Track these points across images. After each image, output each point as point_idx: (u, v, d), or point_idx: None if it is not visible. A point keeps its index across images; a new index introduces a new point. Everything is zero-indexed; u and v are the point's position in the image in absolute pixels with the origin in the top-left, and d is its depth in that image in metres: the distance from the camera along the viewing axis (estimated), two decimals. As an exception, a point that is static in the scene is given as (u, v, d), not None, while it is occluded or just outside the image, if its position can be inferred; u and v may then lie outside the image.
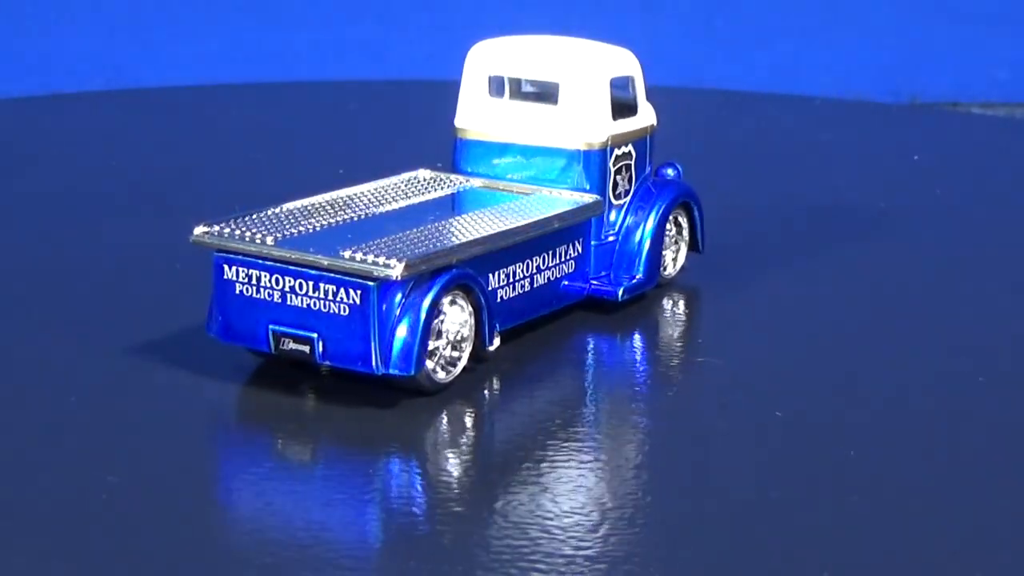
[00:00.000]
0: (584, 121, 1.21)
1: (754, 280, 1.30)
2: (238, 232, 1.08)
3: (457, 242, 1.08)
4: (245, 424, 1.05)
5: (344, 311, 1.04)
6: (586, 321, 1.20)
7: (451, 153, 1.25)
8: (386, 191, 1.20)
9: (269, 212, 1.13)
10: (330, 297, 1.05)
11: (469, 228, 1.12)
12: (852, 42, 2.75)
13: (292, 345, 1.06)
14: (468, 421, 1.05)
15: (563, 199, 1.20)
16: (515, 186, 1.22)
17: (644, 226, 1.24)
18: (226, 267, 1.07)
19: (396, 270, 1.03)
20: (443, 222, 1.12)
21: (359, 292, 1.04)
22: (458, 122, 1.24)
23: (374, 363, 1.04)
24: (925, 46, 2.76)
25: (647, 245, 1.24)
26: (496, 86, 1.24)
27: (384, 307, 1.04)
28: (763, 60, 2.73)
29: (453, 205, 1.18)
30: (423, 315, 1.04)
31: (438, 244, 1.07)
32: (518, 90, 1.24)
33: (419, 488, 0.96)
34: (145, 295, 1.24)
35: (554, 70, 1.22)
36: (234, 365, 1.10)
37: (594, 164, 1.21)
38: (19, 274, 1.30)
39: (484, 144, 1.24)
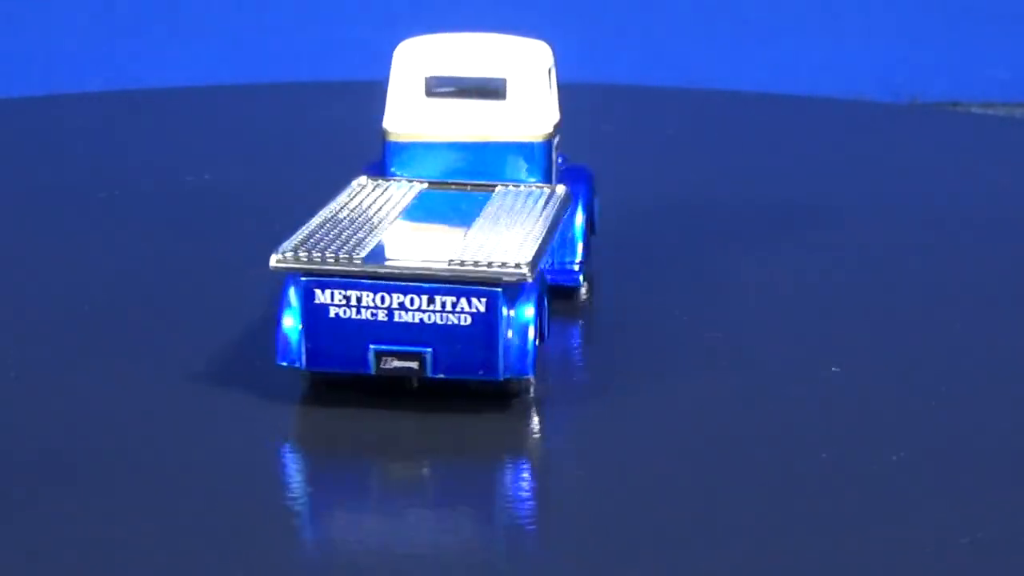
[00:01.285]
0: (533, 113, 1.21)
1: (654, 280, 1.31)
2: (327, 254, 1.04)
3: (537, 242, 1.08)
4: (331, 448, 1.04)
5: (465, 321, 1.03)
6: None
7: (381, 156, 1.21)
8: (366, 202, 1.17)
9: (311, 230, 1.09)
10: (448, 308, 1.03)
11: (522, 227, 1.11)
12: (852, 42, 2.75)
13: (396, 363, 1.04)
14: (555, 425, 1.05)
15: (535, 192, 1.19)
16: (469, 183, 1.20)
17: (576, 213, 1.24)
18: (318, 291, 1.03)
19: (527, 273, 1.02)
20: (489, 225, 1.11)
21: (484, 299, 1.03)
22: (390, 125, 1.21)
23: (500, 369, 1.03)
24: (925, 46, 2.76)
25: (584, 230, 1.24)
26: (433, 86, 1.22)
27: (508, 312, 1.04)
28: (763, 60, 2.73)
29: (456, 209, 1.18)
30: (536, 316, 1.04)
31: (527, 245, 1.07)
32: (459, 88, 1.22)
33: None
34: (171, 311, 1.24)
35: (500, 66, 1.21)
36: (288, 387, 1.08)
37: (542, 155, 1.21)
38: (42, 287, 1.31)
39: (424, 145, 1.21)
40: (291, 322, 1.04)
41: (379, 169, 1.21)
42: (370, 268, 1.03)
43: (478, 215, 1.13)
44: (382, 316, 1.03)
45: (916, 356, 1.16)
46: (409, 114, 1.21)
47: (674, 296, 1.26)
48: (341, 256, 1.03)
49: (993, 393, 1.09)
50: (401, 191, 1.19)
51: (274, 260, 1.04)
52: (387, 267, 1.03)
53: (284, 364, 1.05)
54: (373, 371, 1.04)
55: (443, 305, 1.03)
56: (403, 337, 1.03)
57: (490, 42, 1.23)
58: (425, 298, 1.03)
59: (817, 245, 1.40)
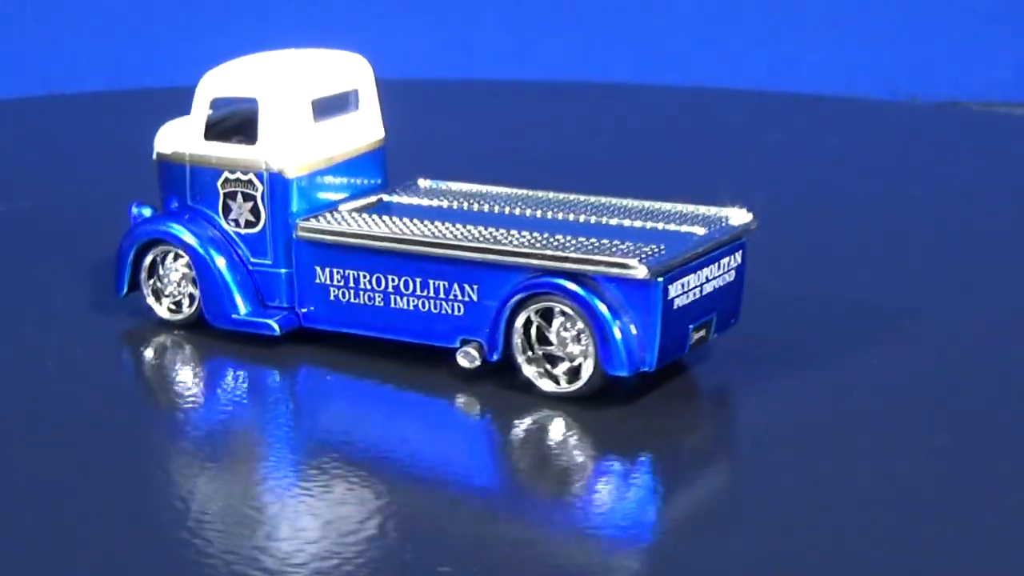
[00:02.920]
0: (379, 118, 1.23)
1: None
2: (643, 253, 1.07)
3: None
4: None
5: (731, 276, 1.11)
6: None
7: (271, 197, 1.17)
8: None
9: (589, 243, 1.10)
10: (725, 269, 1.10)
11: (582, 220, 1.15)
12: (852, 42, 2.75)
13: (696, 335, 1.09)
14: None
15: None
16: (357, 202, 1.20)
17: None
18: (671, 287, 1.06)
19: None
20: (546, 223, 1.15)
21: (740, 252, 1.11)
22: (285, 161, 1.17)
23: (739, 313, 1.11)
24: (925, 46, 2.76)
25: None
26: (319, 109, 1.19)
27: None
28: (763, 59, 2.73)
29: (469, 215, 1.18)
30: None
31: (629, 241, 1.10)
32: (329, 106, 1.20)
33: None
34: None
35: (351, 77, 1.21)
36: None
37: (384, 158, 1.23)
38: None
39: (315, 174, 1.19)
40: (633, 328, 1.06)
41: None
42: (681, 255, 1.08)
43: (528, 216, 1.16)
44: (695, 295, 1.09)
45: None
46: (303, 143, 1.19)
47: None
48: (646, 252, 1.07)
49: None
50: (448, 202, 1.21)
51: (641, 269, 1.05)
52: (692, 249, 1.09)
53: (628, 373, 1.06)
54: (686, 351, 1.09)
55: (723, 267, 1.10)
56: (702, 309, 1.09)
57: (316, 57, 1.22)
58: (715, 265, 1.10)
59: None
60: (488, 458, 1.04)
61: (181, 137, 1.20)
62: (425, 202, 1.20)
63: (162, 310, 1.21)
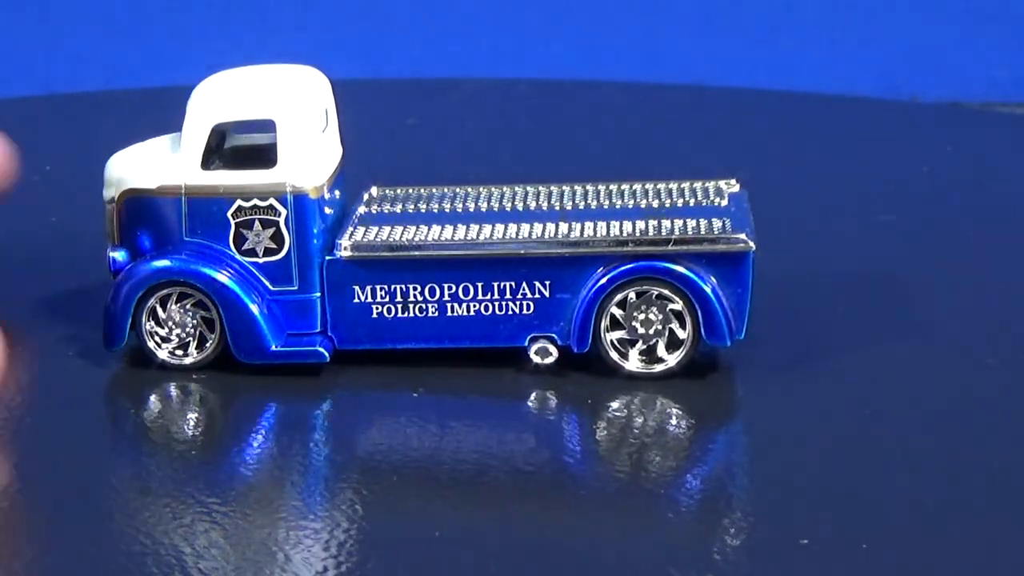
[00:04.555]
0: (338, 132, 1.22)
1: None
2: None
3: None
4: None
5: None
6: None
7: (297, 220, 1.14)
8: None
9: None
10: None
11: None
12: (852, 42, 2.75)
13: None
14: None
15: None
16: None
17: None
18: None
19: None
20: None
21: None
22: (306, 180, 1.15)
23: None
24: (925, 46, 2.75)
25: None
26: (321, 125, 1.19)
27: None
28: (762, 58, 2.73)
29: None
30: None
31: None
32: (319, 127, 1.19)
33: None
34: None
35: (327, 92, 1.20)
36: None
37: (344, 172, 1.23)
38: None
39: (326, 192, 1.17)
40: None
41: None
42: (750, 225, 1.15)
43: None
44: None
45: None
46: (317, 163, 1.17)
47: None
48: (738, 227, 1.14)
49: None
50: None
51: (750, 243, 1.12)
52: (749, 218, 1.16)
53: (728, 343, 1.12)
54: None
55: None
56: None
57: (300, 71, 1.21)
58: None
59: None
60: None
61: (167, 168, 1.15)
62: (413, 208, 1.19)
63: (163, 354, 1.15)
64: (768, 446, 1.04)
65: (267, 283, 1.14)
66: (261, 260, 1.14)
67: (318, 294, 1.14)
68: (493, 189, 1.22)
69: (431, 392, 1.11)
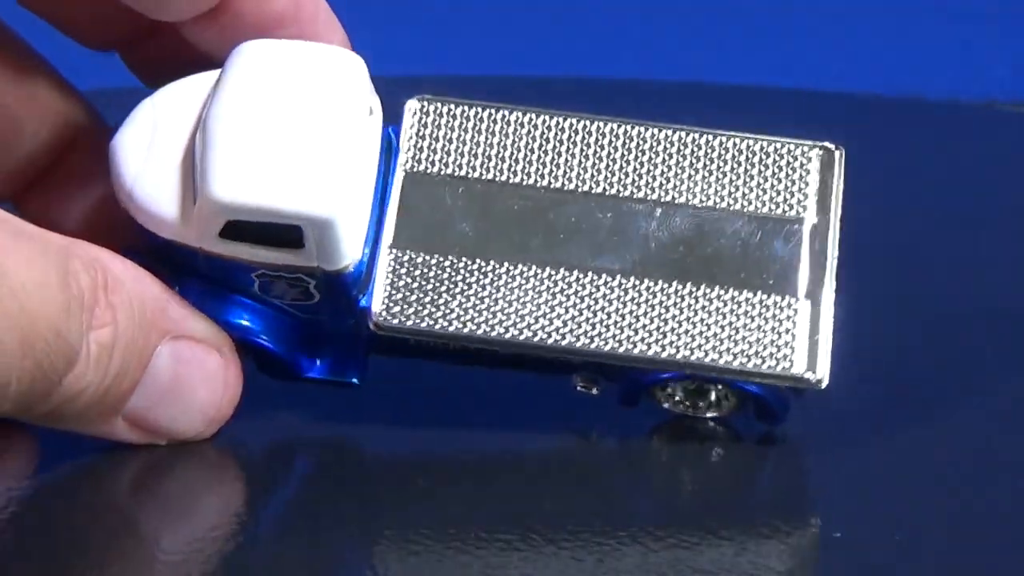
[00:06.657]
0: None
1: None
2: None
3: None
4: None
5: None
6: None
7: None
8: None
9: None
10: None
11: None
12: (852, 41, 2.75)
13: None
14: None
15: None
16: None
17: None
18: None
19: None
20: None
21: None
22: (330, 264, 1.08)
23: None
24: (925, 46, 2.75)
25: None
26: None
27: None
28: (761, 57, 2.73)
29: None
30: None
31: None
32: None
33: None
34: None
35: (366, 98, 1.19)
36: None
37: None
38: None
39: None
40: None
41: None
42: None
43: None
44: None
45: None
46: (346, 238, 1.11)
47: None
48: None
49: None
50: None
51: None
52: None
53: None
54: None
55: None
56: None
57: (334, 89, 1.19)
58: None
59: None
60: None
61: (178, 222, 1.05)
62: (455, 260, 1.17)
63: None
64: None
65: (298, 312, 1.09)
66: (288, 302, 1.08)
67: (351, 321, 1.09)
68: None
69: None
